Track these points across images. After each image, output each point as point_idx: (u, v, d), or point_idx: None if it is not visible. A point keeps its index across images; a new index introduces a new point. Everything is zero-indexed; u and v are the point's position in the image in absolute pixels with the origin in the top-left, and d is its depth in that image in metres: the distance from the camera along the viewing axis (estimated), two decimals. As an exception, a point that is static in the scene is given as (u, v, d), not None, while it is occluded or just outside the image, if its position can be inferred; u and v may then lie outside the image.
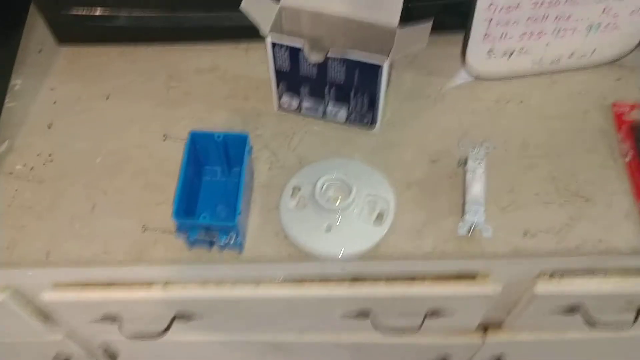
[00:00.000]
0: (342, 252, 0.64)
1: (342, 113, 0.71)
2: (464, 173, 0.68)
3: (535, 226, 0.66)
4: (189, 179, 0.63)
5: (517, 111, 0.75)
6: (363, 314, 0.75)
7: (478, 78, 0.76)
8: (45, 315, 0.79)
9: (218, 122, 0.73)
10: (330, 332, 0.84)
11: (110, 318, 0.75)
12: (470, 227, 0.65)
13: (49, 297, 0.70)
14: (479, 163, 0.68)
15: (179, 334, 0.79)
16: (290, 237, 0.65)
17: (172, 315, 0.74)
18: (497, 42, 0.71)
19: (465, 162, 0.69)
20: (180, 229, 0.61)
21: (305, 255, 0.64)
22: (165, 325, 0.74)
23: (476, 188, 0.66)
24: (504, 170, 0.70)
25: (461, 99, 0.75)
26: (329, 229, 0.64)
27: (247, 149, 0.63)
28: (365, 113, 0.69)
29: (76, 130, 0.73)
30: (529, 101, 0.75)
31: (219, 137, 0.64)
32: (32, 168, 0.70)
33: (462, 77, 0.77)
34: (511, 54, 0.73)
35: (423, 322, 0.75)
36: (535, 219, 0.67)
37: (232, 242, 0.61)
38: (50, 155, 0.71)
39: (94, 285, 0.70)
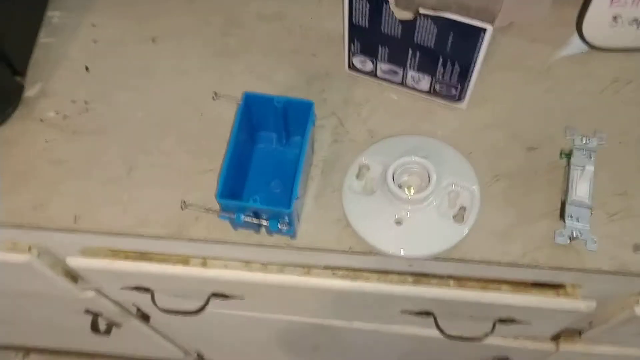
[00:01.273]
0: (413, 251, 0.54)
1: (425, 82, 0.59)
2: (568, 167, 0.56)
3: (649, 240, 0.55)
4: (238, 151, 0.53)
5: (639, 95, 0.61)
6: (425, 313, 0.66)
7: (595, 49, 0.63)
8: (74, 276, 0.72)
9: (279, 79, 0.63)
10: (384, 324, 0.75)
11: (143, 289, 0.67)
12: (572, 236, 0.54)
13: (76, 262, 0.63)
14: (589, 157, 0.56)
15: (215, 308, 0.72)
16: (352, 226, 0.55)
17: (209, 293, 0.67)
18: (628, 7, 0.57)
19: (569, 154, 0.57)
20: (225, 209, 0.51)
21: (369, 250, 0.55)
22: (201, 304, 0.67)
23: (582, 188, 0.55)
24: (618, 167, 0.58)
25: (571, 75, 0.62)
26: (399, 221, 0.54)
27: (310, 119, 0.53)
28: (453, 85, 0.58)
29: (117, 77, 0.64)
30: (654, 83, 0.62)
31: (279, 102, 0.53)
32: (65, 116, 0.62)
33: (574, 47, 0.63)
34: (642, 23, 0.59)
35: (493, 330, 0.65)
36: (651, 232, 0.55)
37: (284, 229, 0.52)
38: (86, 103, 0.63)
39: (126, 254, 0.63)
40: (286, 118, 0.55)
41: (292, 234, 0.54)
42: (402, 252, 0.53)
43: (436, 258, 0.55)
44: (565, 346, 0.75)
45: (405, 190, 0.55)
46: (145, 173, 0.59)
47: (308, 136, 0.52)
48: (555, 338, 0.77)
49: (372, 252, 0.55)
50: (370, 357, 0.96)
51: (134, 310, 0.87)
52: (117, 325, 0.96)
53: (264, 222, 0.52)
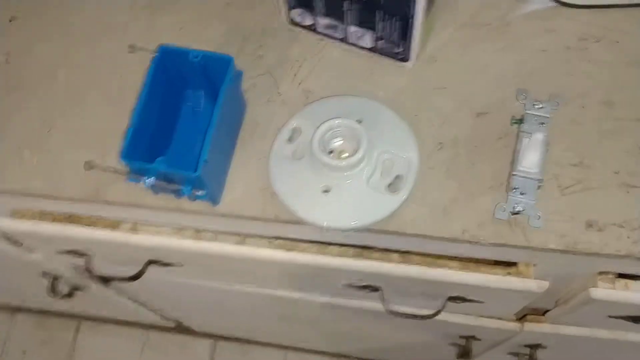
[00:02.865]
0: (340, 222, 0.49)
1: (368, 38, 0.54)
2: (518, 134, 0.51)
3: (605, 216, 0.49)
4: (155, 108, 0.49)
5: (606, 54, 0.55)
6: (371, 288, 0.62)
7: (560, 3, 0.56)
8: (15, 239, 0.69)
9: (211, 37, 0.58)
10: (335, 297, 0.72)
11: (77, 253, 0.65)
12: (514, 211, 0.49)
13: (7, 224, 0.60)
14: (541, 124, 0.50)
15: (158, 275, 0.69)
16: (277, 193, 0.51)
17: (146, 260, 0.64)
18: (596, -44, 0.51)
19: (521, 120, 0.51)
20: (133, 172, 0.48)
21: (295, 220, 0.51)
22: (138, 270, 0.64)
23: (530, 158, 0.49)
24: (575, 134, 0.52)
25: (531, 32, 0.56)
26: (327, 190, 0.50)
27: (228, 76, 0.48)
28: (396, 42, 0.52)
29: (41, 30, 0.60)
30: (627, 42, 0.55)
31: (195, 56, 0.49)
32: (-14, 71, 0.58)
33: (539, 1, 0.57)
34: (613, -27, 0.53)
35: (442, 308, 0.61)
36: (608, 206, 0.50)
37: (198, 194, 0.48)
38: (7, 55, 0.59)
39: (53, 217, 0.60)
40: (208, 75, 0.51)
41: (209, 199, 0.50)
42: (327, 223, 0.49)
43: (369, 230, 0.50)
44: (531, 326, 0.71)
45: (336, 156, 0.50)
46: (64, 134, 0.55)
47: (223, 95, 0.47)
48: (522, 317, 0.73)
49: (298, 221, 0.51)
50: (340, 332, 0.93)
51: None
52: (80, 288, 0.94)
53: (178, 187, 0.48)
